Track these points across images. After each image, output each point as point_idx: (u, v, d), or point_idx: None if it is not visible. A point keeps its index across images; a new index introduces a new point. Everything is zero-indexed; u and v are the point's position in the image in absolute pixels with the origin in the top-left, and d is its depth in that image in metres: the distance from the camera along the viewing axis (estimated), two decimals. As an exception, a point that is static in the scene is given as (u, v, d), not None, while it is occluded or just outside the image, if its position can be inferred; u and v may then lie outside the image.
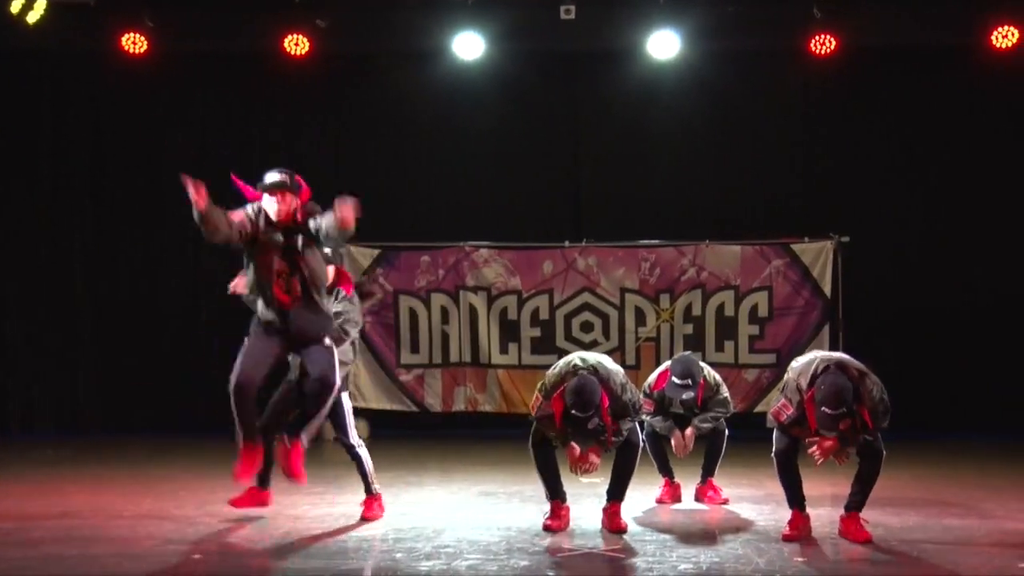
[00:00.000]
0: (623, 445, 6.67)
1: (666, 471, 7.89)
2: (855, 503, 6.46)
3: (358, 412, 10.08)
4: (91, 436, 12.15)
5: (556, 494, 6.76)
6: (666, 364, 7.90)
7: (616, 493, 6.74)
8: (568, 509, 6.79)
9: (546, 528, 6.66)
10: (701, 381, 7.65)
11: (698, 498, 7.86)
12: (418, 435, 11.59)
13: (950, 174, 12.49)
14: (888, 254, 12.41)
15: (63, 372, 12.68)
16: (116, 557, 5.95)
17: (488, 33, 11.91)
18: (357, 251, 11.87)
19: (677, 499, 7.85)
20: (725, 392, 7.88)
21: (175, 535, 6.52)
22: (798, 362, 6.54)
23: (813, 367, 6.29)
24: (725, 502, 7.75)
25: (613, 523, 6.68)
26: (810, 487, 6.61)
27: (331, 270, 6.83)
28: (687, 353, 8.03)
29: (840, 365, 6.27)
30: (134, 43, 11.86)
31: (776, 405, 6.46)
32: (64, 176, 12.75)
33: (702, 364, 7.88)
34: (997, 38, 11.64)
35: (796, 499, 6.51)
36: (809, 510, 6.54)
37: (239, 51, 12.27)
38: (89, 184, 12.76)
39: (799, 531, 6.44)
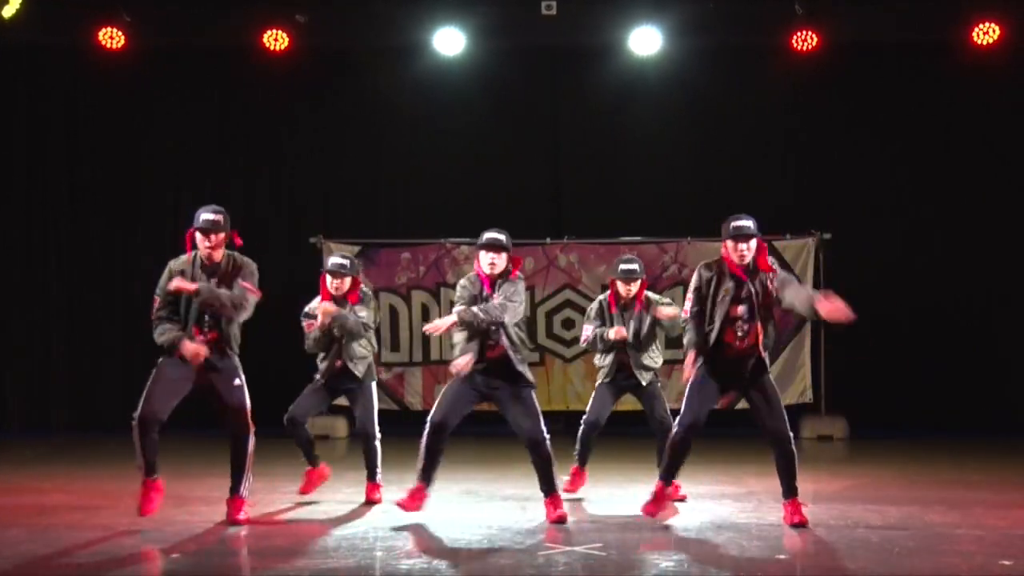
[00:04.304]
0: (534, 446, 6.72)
1: (584, 461, 7.90)
2: (785, 490, 6.64)
3: (337, 411, 10.05)
4: (65, 434, 12.04)
5: (428, 480, 7.01)
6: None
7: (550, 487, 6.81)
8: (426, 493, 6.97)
9: (400, 505, 6.87)
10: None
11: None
12: (398, 434, 11.50)
13: (932, 170, 12.51)
14: (870, 251, 12.42)
15: (37, 369, 12.56)
16: (94, 556, 5.88)
17: (469, 28, 11.87)
18: (337, 248, 11.78)
19: (580, 486, 7.84)
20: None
21: (153, 534, 6.45)
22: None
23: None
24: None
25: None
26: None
27: (348, 280, 7.51)
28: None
29: None
30: (111, 38, 11.78)
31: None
32: (40, 172, 12.63)
33: None
34: (978, 35, 11.68)
35: (673, 475, 6.77)
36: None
37: (217, 46, 12.19)
38: (66, 180, 12.65)
39: (660, 505, 6.76)
